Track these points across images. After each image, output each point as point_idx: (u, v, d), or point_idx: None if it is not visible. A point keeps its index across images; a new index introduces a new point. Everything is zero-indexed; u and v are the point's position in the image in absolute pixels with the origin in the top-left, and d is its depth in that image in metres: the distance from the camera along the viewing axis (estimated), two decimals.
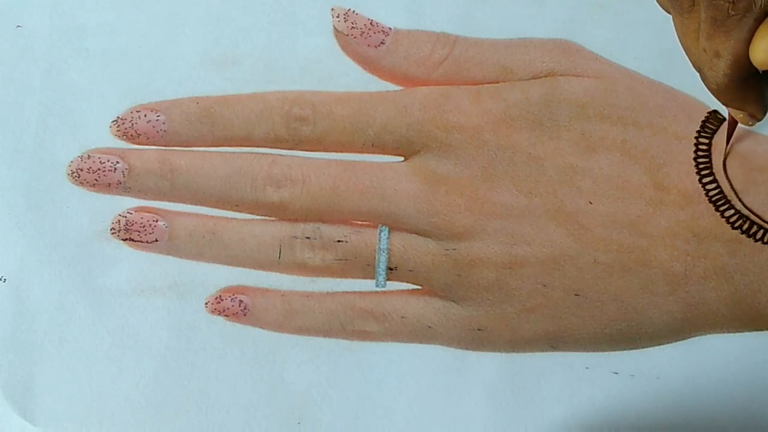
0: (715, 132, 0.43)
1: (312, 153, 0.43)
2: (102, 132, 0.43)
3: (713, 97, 0.37)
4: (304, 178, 0.43)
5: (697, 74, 0.37)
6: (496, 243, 0.42)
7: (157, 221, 0.43)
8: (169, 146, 0.43)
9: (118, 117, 0.43)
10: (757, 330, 0.43)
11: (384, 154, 0.43)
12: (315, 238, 0.43)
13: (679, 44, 0.36)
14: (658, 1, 0.35)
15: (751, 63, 0.34)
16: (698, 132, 0.43)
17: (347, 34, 0.43)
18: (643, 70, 0.44)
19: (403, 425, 0.45)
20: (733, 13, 0.32)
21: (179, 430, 0.45)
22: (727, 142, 0.42)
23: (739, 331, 0.43)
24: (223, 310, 0.44)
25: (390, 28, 0.43)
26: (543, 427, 0.45)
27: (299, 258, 0.43)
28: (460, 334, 0.43)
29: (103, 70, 0.46)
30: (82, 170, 0.43)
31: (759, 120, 0.38)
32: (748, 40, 0.33)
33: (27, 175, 0.46)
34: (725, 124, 0.42)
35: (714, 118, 0.43)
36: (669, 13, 0.35)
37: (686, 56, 0.35)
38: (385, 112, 0.43)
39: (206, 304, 0.44)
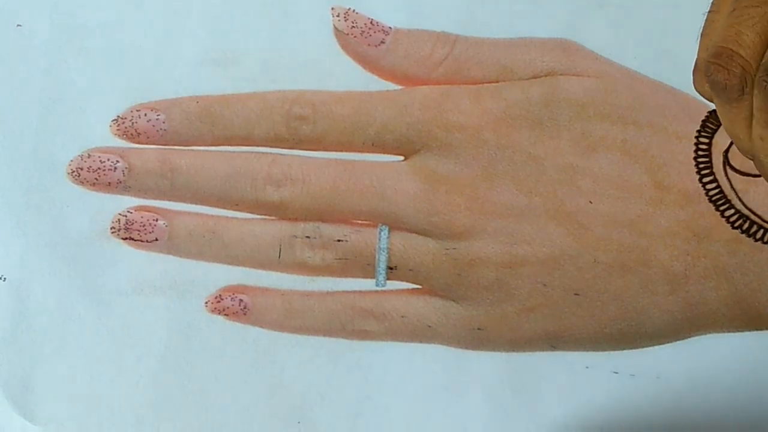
0: (715, 132, 0.42)
1: (312, 152, 0.43)
2: (102, 131, 0.43)
3: None
4: (304, 178, 0.43)
5: None
6: (496, 242, 0.42)
7: (157, 220, 0.43)
8: (169, 145, 0.43)
9: (118, 116, 0.43)
10: (757, 330, 0.43)
11: (384, 153, 0.43)
12: (315, 238, 0.43)
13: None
14: (697, 89, 0.34)
15: None
16: (698, 132, 0.42)
17: (347, 34, 0.43)
18: (643, 70, 0.44)
19: (403, 425, 0.45)
20: None
21: (179, 430, 0.45)
22: None
23: (739, 331, 0.43)
24: (223, 310, 0.44)
25: (390, 28, 0.44)
26: (543, 427, 0.45)
27: (299, 257, 0.43)
28: (460, 334, 0.43)
29: (103, 69, 0.47)
30: (81, 169, 0.43)
31: None
32: None
33: (27, 175, 0.46)
34: None
35: (714, 117, 0.43)
36: (710, 101, 0.34)
37: (735, 143, 0.34)
38: (385, 111, 0.43)
39: (206, 303, 0.44)
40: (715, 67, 0.32)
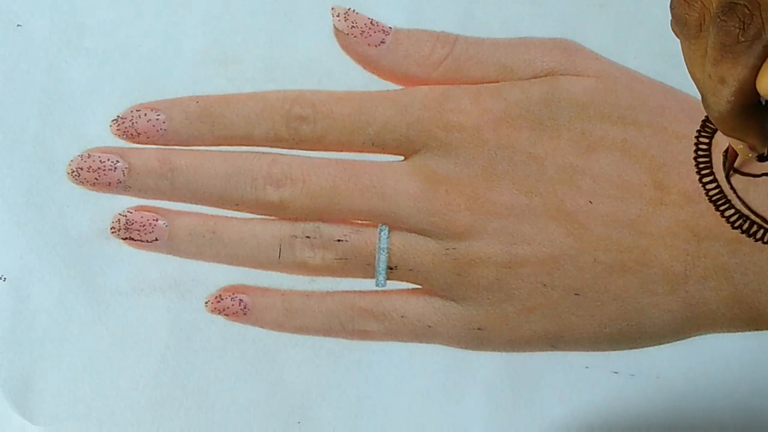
0: (715, 132, 0.43)
1: (312, 152, 0.43)
2: (102, 131, 0.43)
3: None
4: (304, 178, 0.43)
5: None
6: (496, 242, 0.42)
7: (157, 220, 0.43)
8: (169, 145, 0.43)
9: (118, 116, 0.43)
10: (757, 330, 0.43)
11: (384, 153, 0.43)
12: (315, 238, 0.43)
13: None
14: (672, 28, 0.35)
15: (756, 92, 0.33)
16: (698, 131, 0.43)
17: (347, 34, 0.43)
18: (643, 70, 0.44)
19: (403, 425, 0.45)
20: (742, 39, 0.31)
21: (179, 430, 0.45)
22: (726, 173, 0.41)
23: (739, 331, 0.43)
24: (223, 309, 0.44)
25: (390, 28, 0.44)
26: (543, 427, 0.45)
27: (299, 257, 0.43)
28: (460, 334, 0.43)
29: (104, 69, 0.47)
30: (82, 169, 0.43)
31: (758, 153, 0.37)
32: (756, 68, 0.32)
33: (27, 175, 0.46)
34: None
35: None
36: (678, 37, 0.35)
37: (695, 83, 0.35)
38: (386, 111, 0.43)
39: (206, 303, 0.44)
40: (678, 2, 0.32)
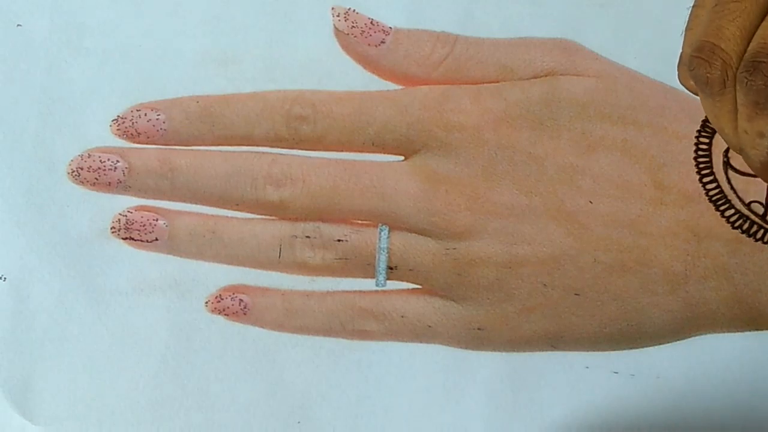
0: (715, 132, 0.43)
1: (312, 152, 0.43)
2: (102, 131, 0.43)
3: None
4: (304, 177, 0.43)
5: None
6: (496, 242, 0.42)
7: (157, 220, 0.43)
8: (169, 145, 0.43)
9: (118, 116, 0.43)
10: (757, 330, 0.43)
11: (384, 153, 0.43)
12: (315, 237, 0.43)
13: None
14: (681, 83, 0.35)
15: None
16: (698, 132, 0.42)
17: (348, 33, 0.43)
18: (643, 70, 0.44)
19: (403, 425, 0.45)
20: None
21: (179, 429, 0.45)
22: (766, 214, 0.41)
23: (739, 331, 0.43)
24: (223, 309, 0.44)
25: (390, 28, 0.44)
26: (543, 427, 0.45)
27: (299, 257, 0.43)
28: (460, 334, 0.43)
29: (104, 68, 0.47)
30: (82, 169, 0.43)
31: None
32: None
33: (27, 175, 0.46)
34: None
35: None
36: (695, 94, 0.34)
37: (721, 136, 0.34)
38: (386, 111, 0.43)
39: (206, 303, 0.44)
40: (697, 61, 0.32)
